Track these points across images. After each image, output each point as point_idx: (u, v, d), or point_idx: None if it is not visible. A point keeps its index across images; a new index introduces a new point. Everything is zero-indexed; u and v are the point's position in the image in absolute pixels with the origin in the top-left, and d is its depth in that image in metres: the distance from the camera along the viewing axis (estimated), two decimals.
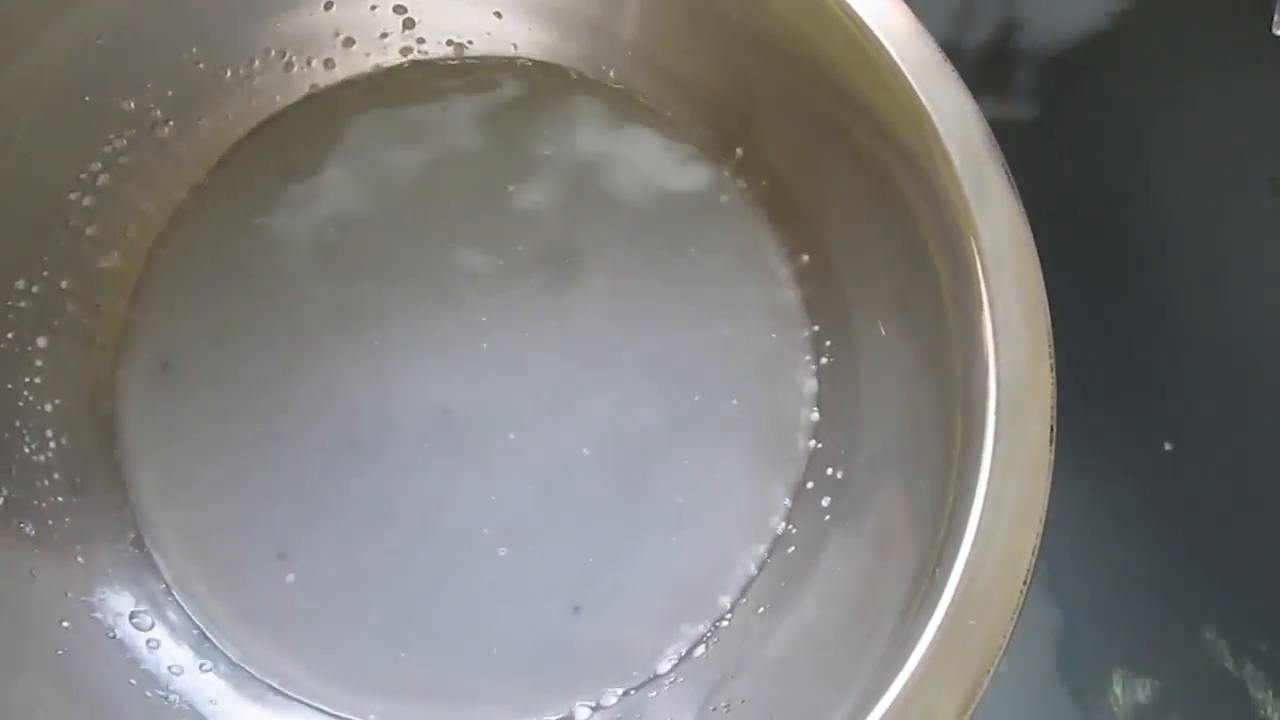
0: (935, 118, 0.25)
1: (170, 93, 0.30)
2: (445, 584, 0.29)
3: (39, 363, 0.29)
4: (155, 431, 0.30)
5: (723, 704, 0.26)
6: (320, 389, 0.30)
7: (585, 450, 0.30)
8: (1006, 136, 0.25)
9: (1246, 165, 0.33)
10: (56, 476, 0.28)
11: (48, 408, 0.29)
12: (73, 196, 0.29)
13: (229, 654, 0.29)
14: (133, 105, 0.30)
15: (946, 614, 0.22)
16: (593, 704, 0.28)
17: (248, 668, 0.29)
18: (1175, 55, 0.34)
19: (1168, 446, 0.32)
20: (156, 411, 0.30)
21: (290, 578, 0.29)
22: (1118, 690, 0.31)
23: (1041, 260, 0.25)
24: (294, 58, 0.32)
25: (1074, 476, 0.31)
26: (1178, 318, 0.33)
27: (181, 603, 0.29)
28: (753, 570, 0.29)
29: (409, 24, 0.32)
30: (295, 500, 0.29)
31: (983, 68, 0.36)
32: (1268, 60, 0.32)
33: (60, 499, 0.28)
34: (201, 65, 0.31)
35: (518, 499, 0.29)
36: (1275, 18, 0.31)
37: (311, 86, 0.32)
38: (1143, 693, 0.31)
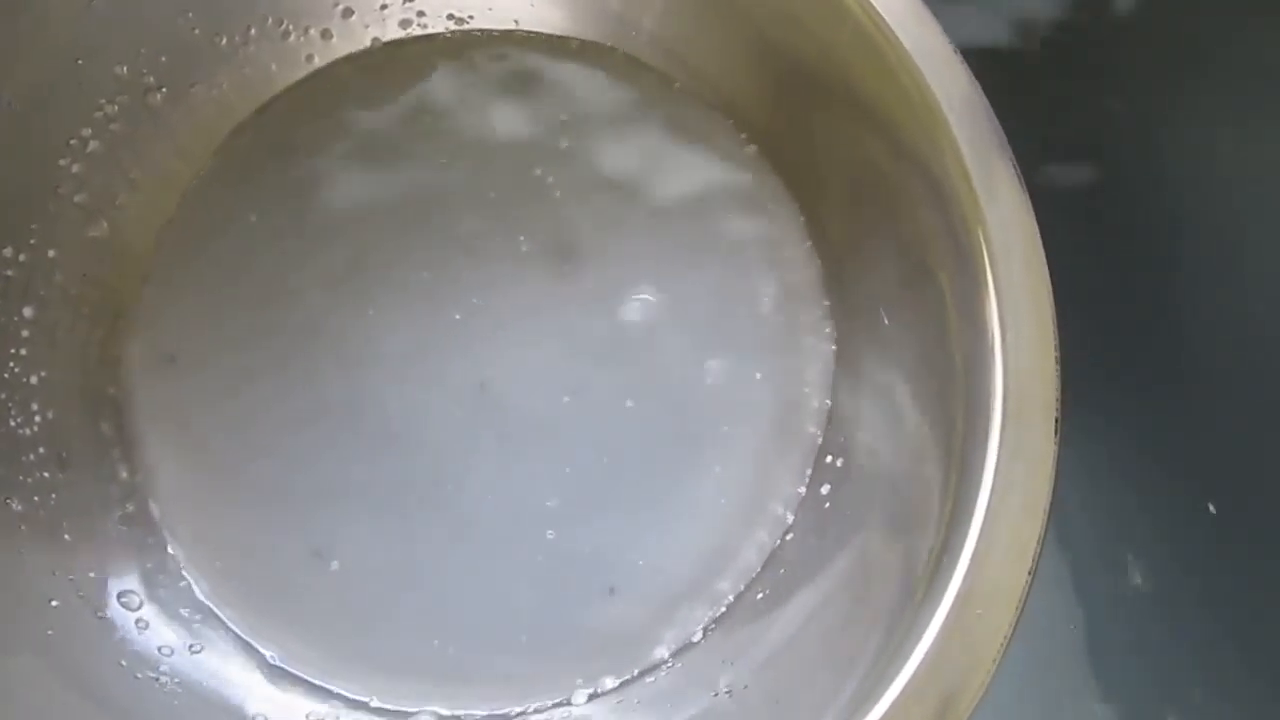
0: (945, 109, 0.25)
1: (164, 59, 0.30)
2: (482, 559, 0.29)
3: (25, 333, 0.28)
4: (166, 425, 0.30)
5: (724, 689, 0.27)
6: (339, 379, 0.30)
7: (629, 403, 0.30)
8: (1012, 118, 0.26)
9: (1272, 145, 0.32)
10: (42, 451, 0.28)
11: (34, 380, 0.28)
12: (63, 163, 0.29)
13: (261, 649, 0.29)
14: (126, 70, 0.29)
15: (955, 602, 0.23)
16: (591, 689, 0.28)
17: (280, 660, 0.29)
18: (1191, 35, 0.34)
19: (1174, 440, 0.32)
20: (166, 405, 0.30)
21: (334, 565, 0.29)
22: None
23: (1048, 249, 0.25)
24: (291, 27, 0.31)
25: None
26: (1192, 304, 0.33)
27: (199, 590, 0.29)
28: (754, 557, 0.29)
29: None
30: (332, 495, 0.29)
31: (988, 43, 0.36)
32: None
33: (47, 474, 0.28)
34: (197, 31, 0.30)
35: (561, 470, 0.29)
36: None
37: (308, 57, 0.32)
38: None
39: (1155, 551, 0.32)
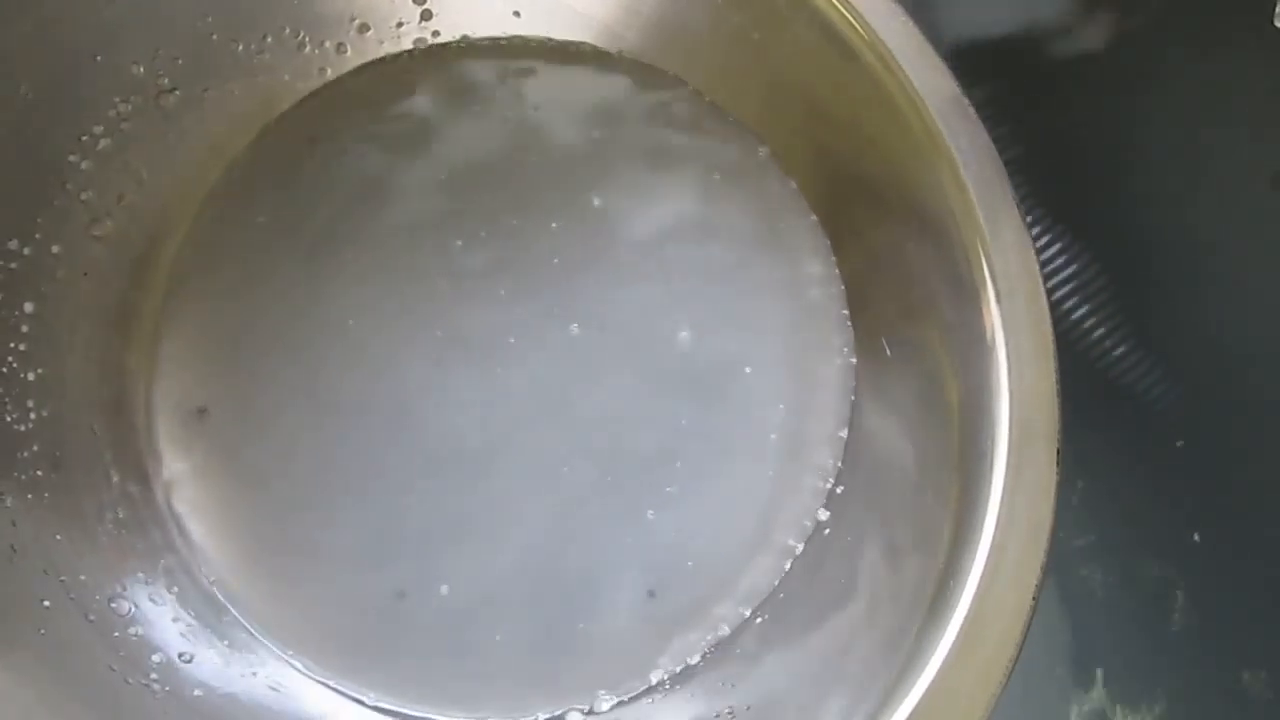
0: (952, 149, 0.26)
1: (180, 61, 0.29)
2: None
3: (25, 329, 0.28)
4: (207, 482, 0.30)
5: (726, 710, 0.26)
6: (384, 415, 0.30)
7: (644, 424, 0.30)
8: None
9: (1246, 161, 0.33)
10: (36, 448, 0.27)
11: (30, 376, 0.28)
12: (72, 159, 0.28)
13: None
14: (141, 70, 0.29)
15: (961, 627, 0.23)
16: (586, 707, 0.28)
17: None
18: (1172, 49, 0.34)
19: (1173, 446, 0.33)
20: (203, 461, 0.30)
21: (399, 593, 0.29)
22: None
23: None
24: (307, 38, 0.31)
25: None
26: (1172, 316, 0.34)
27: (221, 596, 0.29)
28: (751, 580, 0.29)
29: (426, 15, 0.32)
30: (404, 531, 0.29)
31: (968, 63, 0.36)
32: (1267, 53, 0.32)
33: (40, 473, 0.27)
34: (215, 36, 0.30)
35: (580, 480, 0.29)
36: (1277, 9, 0.29)
37: (321, 69, 0.32)
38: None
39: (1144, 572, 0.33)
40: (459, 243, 0.31)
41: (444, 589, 0.28)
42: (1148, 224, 0.34)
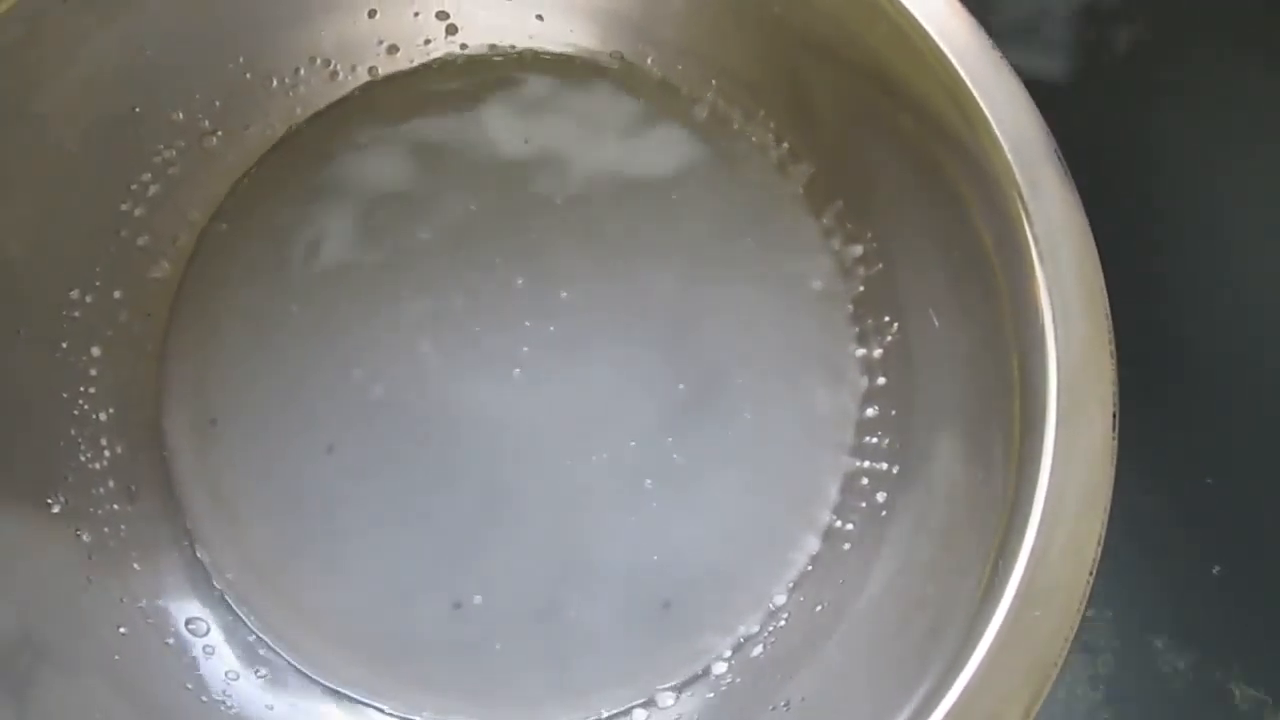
0: (985, 107, 0.25)
1: (218, 103, 0.31)
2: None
3: (93, 372, 0.29)
4: (219, 501, 0.30)
5: (782, 702, 0.26)
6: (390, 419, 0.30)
7: (669, 422, 0.30)
8: None
9: (1264, 168, 0.32)
10: (111, 484, 0.29)
11: (102, 416, 0.29)
12: (124, 207, 0.30)
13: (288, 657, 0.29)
14: (181, 115, 0.30)
15: (1011, 606, 0.22)
16: (649, 704, 0.28)
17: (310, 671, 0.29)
18: (1190, 59, 0.34)
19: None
20: (215, 478, 0.30)
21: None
22: None
23: None
24: (338, 66, 0.32)
25: None
26: (1190, 322, 0.33)
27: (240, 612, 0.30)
28: (807, 568, 0.29)
29: (451, 30, 0.32)
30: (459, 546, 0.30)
31: None
32: None
33: (116, 507, 0.29)
34: (248, 75, 0.31)
35: (593, 485, 0.30)
36: None
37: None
38: None
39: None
40: (469, 258, 0.31)
41: (477, 599, 0.29)
42: (1164, 235, 0.34)
